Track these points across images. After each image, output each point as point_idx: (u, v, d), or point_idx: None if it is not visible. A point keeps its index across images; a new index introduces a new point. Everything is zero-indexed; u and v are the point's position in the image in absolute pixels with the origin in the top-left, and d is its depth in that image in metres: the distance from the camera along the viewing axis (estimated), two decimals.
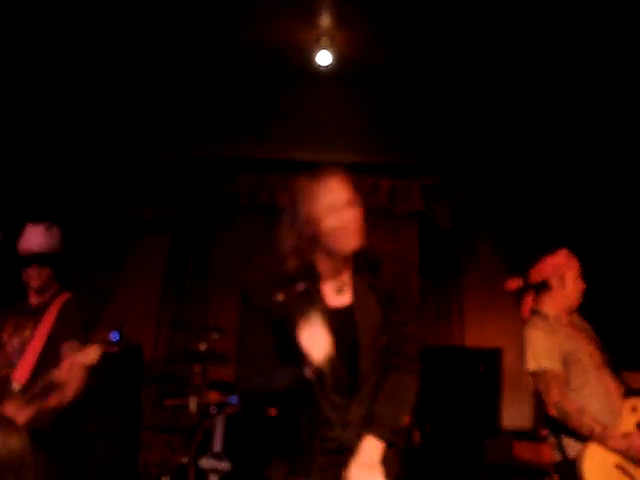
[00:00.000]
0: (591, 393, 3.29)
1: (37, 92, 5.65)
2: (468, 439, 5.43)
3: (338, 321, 2.38)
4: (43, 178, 6.18)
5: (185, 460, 4.88)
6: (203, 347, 5.39)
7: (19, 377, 3.17)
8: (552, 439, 3.37)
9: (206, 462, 4.78)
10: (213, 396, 5.44)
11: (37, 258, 3.36)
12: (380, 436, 2.36)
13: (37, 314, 3.36)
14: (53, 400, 3.11)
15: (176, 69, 5.70)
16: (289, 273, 2.41)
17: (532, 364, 3.34)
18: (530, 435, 5.37)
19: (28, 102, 5.67)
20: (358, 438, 2.36)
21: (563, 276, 3.47)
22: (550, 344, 3.33)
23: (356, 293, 2.43)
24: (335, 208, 2.35)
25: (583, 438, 3.20)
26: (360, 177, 6.73)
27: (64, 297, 3.42)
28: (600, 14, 4.53)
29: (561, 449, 3.31)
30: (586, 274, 3.54)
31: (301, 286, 2.39)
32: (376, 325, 2.41)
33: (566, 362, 3.31)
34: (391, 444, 2.39)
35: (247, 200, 6.74)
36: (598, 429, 3.16)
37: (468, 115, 6.01)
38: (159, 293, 6.59)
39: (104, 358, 5.37)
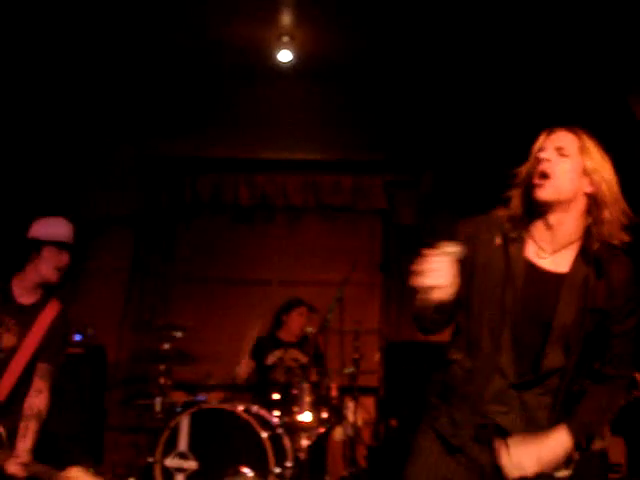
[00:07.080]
0: None
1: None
2: None
3: (539, 282, 2.16)
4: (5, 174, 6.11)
5: (151, 460, 4.88)
6: (167, 346, 5.39)
7: None
8: None
9: (172, 461, 4.80)
10: (178, 395, 5.45)
11: (69, 247, 3.17)
12: (574, 434, 2.16)
13: (25, 316, 3.11)
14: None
15: (140, 66, 5.68)
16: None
17: None
18: None
19: None
20: (521, 423, 2.18)
21: None
22: None
23: (573, 269, 2.15)
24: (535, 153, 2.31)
25: None
26: (322, 175, 6.77)
27: (54, 306, 3.17)
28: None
29: None
30: None
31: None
32: (578, 320, 2.14)
33: None
34: (581, 449, 2.20)
35: (210, 198, 6.74)
36: None
37: (430, 112, 6.05)
38: (123, 293, 6.55)
39: (68, 359, 5.32)
